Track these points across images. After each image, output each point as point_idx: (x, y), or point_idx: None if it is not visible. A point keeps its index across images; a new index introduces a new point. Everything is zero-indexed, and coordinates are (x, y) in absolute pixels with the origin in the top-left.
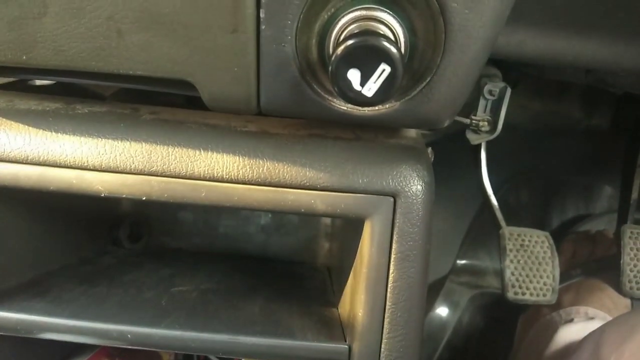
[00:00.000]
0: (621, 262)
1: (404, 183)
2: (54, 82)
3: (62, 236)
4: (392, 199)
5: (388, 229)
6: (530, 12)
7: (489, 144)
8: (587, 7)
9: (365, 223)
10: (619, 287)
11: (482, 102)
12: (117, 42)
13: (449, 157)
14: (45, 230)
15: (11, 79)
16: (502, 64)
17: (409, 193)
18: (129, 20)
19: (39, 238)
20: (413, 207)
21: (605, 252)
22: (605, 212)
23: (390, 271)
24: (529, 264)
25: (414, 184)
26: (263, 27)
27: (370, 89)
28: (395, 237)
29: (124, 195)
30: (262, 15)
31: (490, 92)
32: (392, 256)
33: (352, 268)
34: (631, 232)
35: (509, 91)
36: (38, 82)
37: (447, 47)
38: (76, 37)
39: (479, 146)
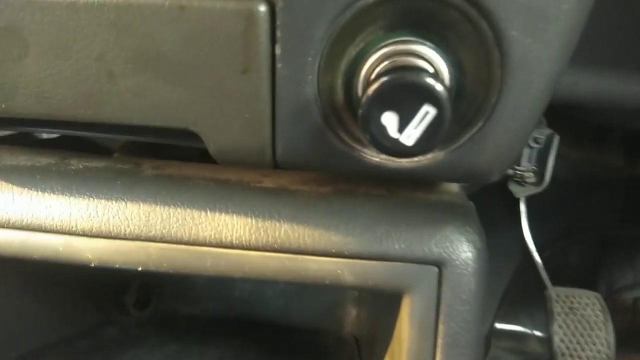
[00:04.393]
0: None
1: (450, 249)
2: (58, 135)
3: (60, 305)
4: (436, 269)
5: (432, 307)
6: (584, 50)
7: (527, 198)
8: None
9: (404, 298)
10: None
11: (526, 151)
12: (108, 87)
13: (481, 209)
14: (40, 299)
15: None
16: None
17: (457, 262)
18: (122, 60)
19: (32, 309)
20: (463, 279)
21: None
22: None
23: None
24: (580, 329)
25: (463, 251)
26: (279, 65)
27: (410, 136)
28: (441, 317)
29: (117, 266)
30: (277, 51)
31: (536, 140)
32: (439, 341)
33: (388, 349)
34: None
35: (557, 139)
36: (45, 135)
37: (505, 85)
38: (62, 82)
39: (516, 199)
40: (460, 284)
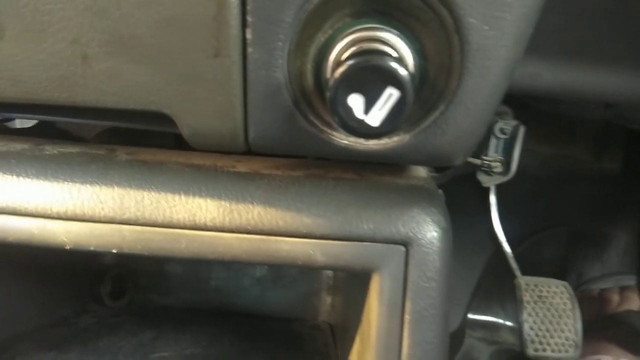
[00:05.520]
0: None
1: (416, 229)
2: (33, 124)
3: (36, 294)
4: (403, 249)
5: (399, 284)
6: (546, 43)
7: (500, 193)
8: (608, 37)
9: (372, 277)
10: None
11: (493, 142)
12: (82, 70)
13: (454, 202)
14: (15, 288)
15: None
16: (512, 101)
17: (422, 241)
18: (96, 44)
19: (7, 297)
20: (428, 257)
21: (614, 311)
22: (614, 273)
23: (404, 336)
24: (549, 317)
25: (429, 231)
26: (250, 50)
27: (375, 117)
28: (408, 294)
29: (92, 248)
30: (248, 36)
31: (502, 131)
32: (406, 317)
33: (359, 330)
34: None
35: (522, 130)
36: (18, 125)
37: (464, 70)
38: (36, 65)
39: (487, 191)
40: (425, 262)
